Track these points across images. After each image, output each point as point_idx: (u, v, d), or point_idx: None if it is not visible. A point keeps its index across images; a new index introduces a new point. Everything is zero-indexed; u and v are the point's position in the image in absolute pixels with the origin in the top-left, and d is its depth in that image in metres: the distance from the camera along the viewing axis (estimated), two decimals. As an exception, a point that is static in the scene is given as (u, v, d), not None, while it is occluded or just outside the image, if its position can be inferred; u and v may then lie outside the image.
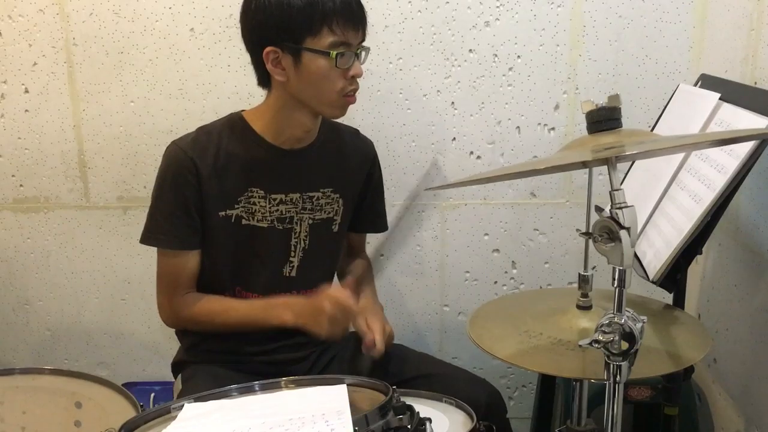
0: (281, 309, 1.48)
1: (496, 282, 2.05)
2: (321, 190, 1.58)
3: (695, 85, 1.63)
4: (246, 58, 1.50)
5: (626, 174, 1.66)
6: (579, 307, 1.28)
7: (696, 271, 1.82)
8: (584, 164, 1.10)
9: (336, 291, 1.42)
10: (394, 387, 1.08)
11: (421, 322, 2.07)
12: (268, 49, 1.41)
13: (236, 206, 1.50)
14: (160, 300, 1.56)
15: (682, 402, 1.53)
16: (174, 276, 1.53)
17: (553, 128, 1.94)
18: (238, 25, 1.49)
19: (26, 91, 1.96)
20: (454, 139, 1.95)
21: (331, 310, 1.39)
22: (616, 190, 0.94)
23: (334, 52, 1.39)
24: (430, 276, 2.05)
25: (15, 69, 1.94)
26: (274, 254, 1.56)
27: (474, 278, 2.05)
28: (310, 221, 1.57)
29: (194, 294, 1.56)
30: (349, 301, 1.40)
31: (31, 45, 1.92)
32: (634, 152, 1.03)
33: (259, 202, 1.52)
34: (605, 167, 0.98)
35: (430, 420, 1.04)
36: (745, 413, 1.59)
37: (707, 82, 1.60)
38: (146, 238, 1.53)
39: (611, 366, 0.98)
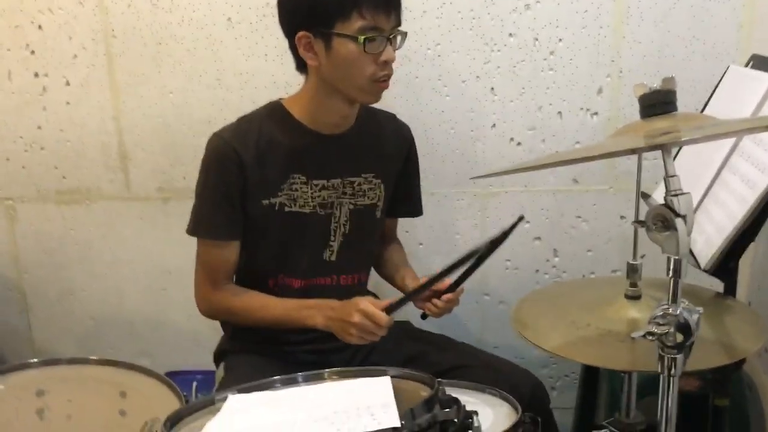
0: (314, 311, 1.49)
1: (537, 270, 2.02)
2: (363, 176, 1.57)
3: (746, 66, 1.57)
4: (282, 47, 1.49)
5: (674, 159, 1.61)
6: (627, 296, 1.25)
7: (746, 257, 1.76)
8: (634, 150, 1.06)
9: (368, 304, 1.40)
10: (439, 380, 1.06)
11: (461, 311, 2.04)
12: (300, 33, 1.41)
13: (279, 194, 1.50)
14: (198, 289, 1.57)
15: (732, 393, 1.48)
16: (214, 266, 1.54)
17: (596, 113, 1.89)
18: (275, 14, 1.48)
19: (67, 84, 1.98)
20: (494, 125, 1.92)
21: (360, 321, 1.39)
22: (672, 176, 0.91)
23: (363, 37, 1.37)
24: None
25: (56, 62, 1.96)
26: (315, 239, 1.56)
27: (515, 266, 2.02)
28: (351, 206, 1.56)
29: (233, 287, 1.56)
30: (379, 315, 1.39)
31: (71, 38, 1.94)
32: (692, 138, 0.99)
33: (301, 188, 1.51)
34: (651, 152, 0.95)
35: (476, 413, 1.03)
36: (798, 405, 1.55)
37: (759, 62, 1.54)
38: (192, 230, 1.54)
39: (665, 359, 0.95)
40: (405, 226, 1.94)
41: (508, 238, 1.35)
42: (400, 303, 1.42)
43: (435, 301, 1.48)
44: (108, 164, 2.03)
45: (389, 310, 1.40)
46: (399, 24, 1.44)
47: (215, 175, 1.49)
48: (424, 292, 1.47)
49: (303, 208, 1.52)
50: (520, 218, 1.33)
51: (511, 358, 1.67)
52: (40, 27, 1.94)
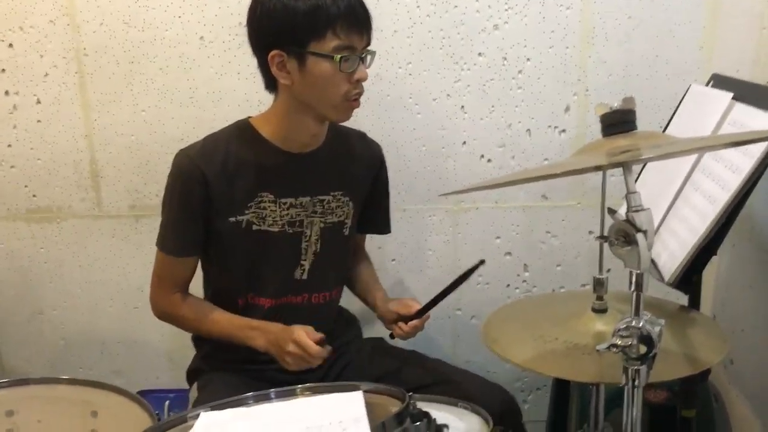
0: (256, 333, 1.52)
1: (508, 285, 2.05)
2: (332, 193, 1.58)
3: (707, 85, 1.62)
4: (255, 65, 1.50)
5: (638, 175, 1.65)
6: (594, 310, 1.28)
7: (710, 271, 1.81)
8: (597, 168, 1.09)
9: (302, 335, 1.43)
10: (411, 393, 1.07)
11: (433, 327, 2.06)
12: (273, 52, 1.41)
13: (246, 212, 1.51)
14: (152, 293, 1.62)
15: (699, 404, 1.51)
16: (169, 276, 1.58)
17: (563, 130, 1.93)
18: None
19: (38, 102, 1.97)
20: (465, 142, 1.95)
21: (293, 350, 1.43)
22: (632, 192, 0.94)
23: (338, 56, 1.39)
24: (442, 280, 2.02)
25: (27, 80, 1.95)
26: (285, 258, 1.57)
27: (486, 281, 2.04)
28: (322, 224, 1.58)
29: (183, 295, 1.60)
30: (311, 348, 1.42)
31: (43, 56, 1.93)
32: (651, 156, 1.02)
33: (269, 207, 1.52)
34: (618, 168, 0.98)
35: (447, 426, 1.04)
36: (762, 414, 1.58)
37: (719, 81, 1.59)
38: (158, 243, 1.57)
39: (629, 370, 0.97)
40: (377, 243, 1.96)
41: (468, 279, 1.45)
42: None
43: (401, 324, 1.53)
44: (79, 182, 2.02)
45: (322, 342, 1.44)
46: (369, 43, 1.46)
47: (179, 193, 1.51)
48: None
49: (271, 226, 1.53)
50: (481, 262, 1.43)
51: (483, 372, 1.69)
52: (11, 45, 1.93)
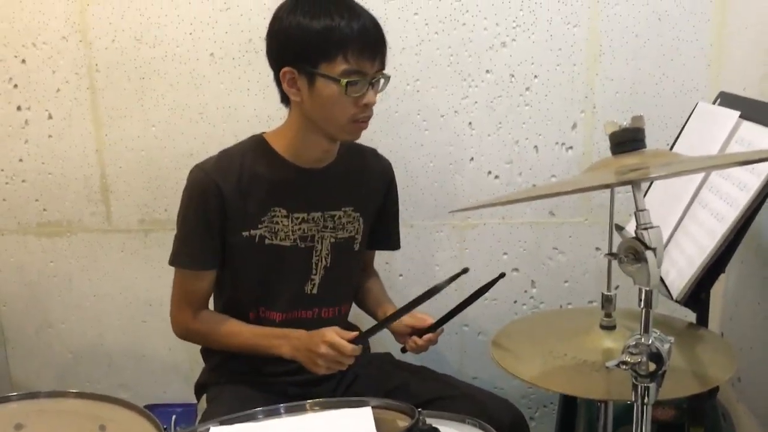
0: (282, 341, 1.51)
1: (515, 301, 2.05)
2: (343, 209, 1.59)
3: (714, 103, 1.62)
4: (264, 81, 1.53)
5: (646, 192, 1.66)
6: (602, 327, 1.28)
7: (718, 288, 1.81)
8: (606, 185, 1.10)
9: (334, 335, 1.43)
10: (420, 409, 1.08)
11: (441, 343, 2.04)
12: (285, 69, 1.43)
13: (260, 226, 1.52)
14: (173, 312, 1.60)
15: (707, 422, 1.51)
16: (189, 293, 1.57)
17: (570, 147, 1.94)
18: (257, 50, 1.52)
19: (50, 117, 1.99)
20: (472, 159, 1.96)
21: (326, 352, 1.42)
22: (642, 210, 0.94)
23: (345, 81, 1.39)
24: (450, 296, 2.03)
25: (39, 95, 1.97)
26: (296, 272, 1.57)
27: (493, 298, 2.04)
28: (332, 239, 1.58)
29: (206, 312, 1.59)
30: (345, 346, 1.41)
31: (55, 71, 1.96)
32: (660, 174, 1.03)
33: (281, 221, 1.53)
34: (626, 186, 0.98)
35: (456, 442, 1.04)
36: (771, 433, 1.58)
37: (726, 99, 1.60)
38: (172, 261, 1.57)
39: (639, 387, 0.97)
40: (385, 258, 1.97)
41: (488, 292, 1.46)
42: (366, 335, 1.46)
43: (415, 338, 1.53)
44: (90, 197, 2.03)
45: (356, 341, 1.43)
46: (383, 68, 1.46)
47: (195, 207, 1.51)
48: (390, 324, 1.53)
49: (283, 241, 1.54)
50: (501, 275, 1.42)
51: (490, 388, 1.69)
52: (23, 61, 1.95)
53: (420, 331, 1.53)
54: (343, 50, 1.38)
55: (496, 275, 1.43)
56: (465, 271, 1.42)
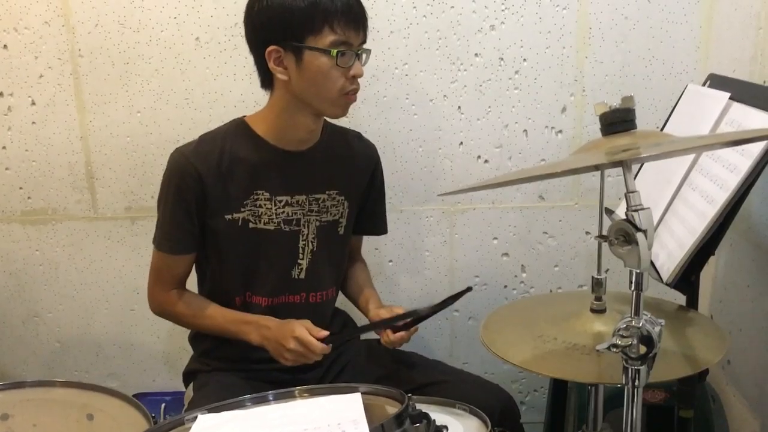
0: (251, 328, 1.51)
1: (505, 286, 2.04)
2: (327, 192, 1.58)
3: (704, 85, 1.62)
4: (251, 66, 1.51)
5: (636, 175, 1.65)
6: (593, 310, 1.27)
7: (708, 271, 1.81)
8: (597, 167, 1.09)
9: (304, 332, 1.43)
10: (410, 395, 1.07)
11: (431, 328, 2.07)
12: (270, 48, 1.43)
13: (242, 209, 1.51)
14: (150, 289, 1.62)
15: (696, 404, 1.51)
16: (166, 273, 1.58)
17: (560, 131, 1.93)
18: (243, 34, 1.49)
19: (33, 104, 1.96)
20: (462, 143, 1.95)
21: (294, 347, 1.43)
22: (632, 192, 0.93)
23: (335, 51, 1.40)
24: (440, 281, 2.04)
25: (21, 81, 1.94)
26: (282, 257, 1.57)
27: (483, 282, 2.04)
28: (317, 223, 1.58)
29: (180, 292, 1.60)
30: (314, 344, 1.42)
31: (37, 57, 1.92)
32: (651, 154, 1.02)
33: (264, 205, 1.52)
34: (615, 169, 0.97)
35: (446, 427, 1.04)
36: (760, 414, 1.58)
37: (716, 81, 1.59)
38: (154, 241, 1.58)
39: (630, 370, 0.97)
40: (374, 243, 1.96)
41: (453, 304, 1.45)
42: (338, 338, 1.49)
43: (389, 332, 1.52)
44: (75, 184, 2.01)
45: (326, 340, 1.43)
46: (365, 41, 1.48)
47: (174, 191, 1.51)
48: (364, 332, 1.58)
49: (267, 224, 1.53)
50: (468, 289, 1.44)
51: (481, 373, 1.69)
52: (5, 46, 1.92)
53: (395, 328, 1.52)
54: (329, 22, 1.39)
55: (463, 288, 1.45)
56: (468, 289, 1.45)
